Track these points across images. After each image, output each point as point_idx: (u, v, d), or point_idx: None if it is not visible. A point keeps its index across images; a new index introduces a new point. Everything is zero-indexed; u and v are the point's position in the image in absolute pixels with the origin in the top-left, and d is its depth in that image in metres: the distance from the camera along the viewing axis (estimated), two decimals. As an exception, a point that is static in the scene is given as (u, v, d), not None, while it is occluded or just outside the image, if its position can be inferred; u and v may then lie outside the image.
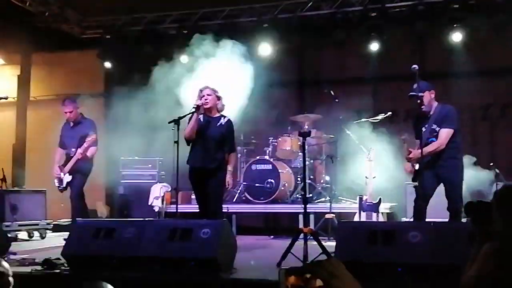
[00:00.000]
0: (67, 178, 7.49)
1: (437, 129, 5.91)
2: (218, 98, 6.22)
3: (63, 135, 7.74)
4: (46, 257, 5.32)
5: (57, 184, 7.61)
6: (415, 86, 5.91)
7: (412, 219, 6.33)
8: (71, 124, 7.66)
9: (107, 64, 10.23)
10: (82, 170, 7.50)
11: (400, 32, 8.96)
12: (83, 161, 7.43)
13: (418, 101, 5.89)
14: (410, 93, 5.98)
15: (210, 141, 6.10)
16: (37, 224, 8.57)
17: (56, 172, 7.58)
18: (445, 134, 5.87)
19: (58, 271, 5.12)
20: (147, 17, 10.09)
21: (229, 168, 6.15)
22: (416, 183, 5.97)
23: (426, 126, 5.94)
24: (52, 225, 8.97)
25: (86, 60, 10.59)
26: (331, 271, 1.84)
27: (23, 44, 10.86)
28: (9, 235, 7.53)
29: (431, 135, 5.93)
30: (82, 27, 10.50)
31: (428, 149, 5.83)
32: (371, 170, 7.37)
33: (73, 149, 7.47)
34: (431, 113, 6.00)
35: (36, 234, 8.61)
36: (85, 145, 7.28)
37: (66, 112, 7.56)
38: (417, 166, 5.91)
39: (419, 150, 5.73)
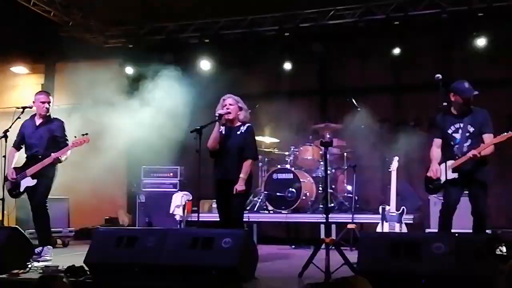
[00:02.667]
0: (28, 181, 6.66)
1: (472, 129, 5.75)
2: (240, 108, 6.18)
3: (27, 136, 6.83)
4: (69, 264, 5.34)
5: (9, 188, 6.76)
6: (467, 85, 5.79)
7: (436, 230, 6.23)
8: (38, 122, 6.84)
9: (129, 72, 10.31)
10: (49, 173, 6.69)
11: (423, 40, 8.87)
12: (50, 164, 6.63)
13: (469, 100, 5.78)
14: (476, 93, 5.77)
15: (232, 152, 6.06)
16: (60, 232, 8.63)
17: (11, 174, 6.71)
18: (491, 139, 5.70)
19: (81, 279, 5.14)
20: (169, 26, 10.15)
21: (241, 175, 5.94)
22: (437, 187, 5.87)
23: (458, 127, 5.79)
24: (74, 233, 9.04)
25: (108, 69, 10.68)
26: None
27: (47, 54, 11.00)
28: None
29: (467, 138, 5.78)
30: (105, 36, 10.60)
31: (488, 151, 5.68)
32: (394, 179, 7.30)
33: (40, 150, 6.69)
34: (465, 114, 5.82)
35: (59, 241, 8.68)
36: (70, 145, 6.58)
37: (43, 102, 6.77)
38: (443, 176, 5.79)
39: (480, 147, 5.61)
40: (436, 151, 5.98)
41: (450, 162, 5.76)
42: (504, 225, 7.95)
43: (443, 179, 5.83)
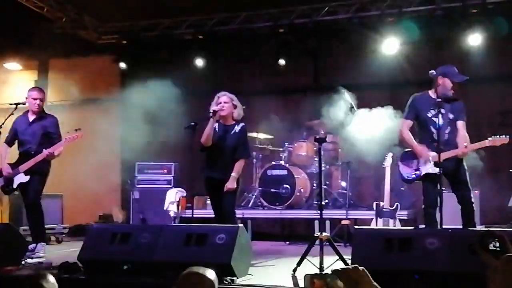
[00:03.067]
0: (21, 178, 6.57)
1: (451, 116, 5.78)
2: (235, 106, 6.17)
3: (19, 132, 6.77)
4: (63, 261, 5.33)
5: (2, 184, 6.73)
6: (456, 70, 5.86)
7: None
8: (31, 118, 6.79)
9: (123, 67, 10.28)
10: (42, 170, 6.64)
11: (418, 37, 8.87)
12: (43, 160, 6.57)
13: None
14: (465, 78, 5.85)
15: (225, 151, 6.05)
16: (54, 229, 8.61)
17: (7, 169, 6.65)
18: (464, 127, 5.77)
19: (75, 275, 5.13)
20: (163, 23, 10.11)
21: (233, 174, 5.97)
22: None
23: (438, 111, 5.68)
24: (68, 230, 9.02)
25: (102, 65, 10.66)
26: (356, 279, 1.85)
27: (40, 50, 10.95)
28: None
29: (447, 124, 5.78)
30: (98, 33, 10.56)
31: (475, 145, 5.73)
32: (388, 175, 7.30)
33: (33, 146, 6.64)
34: (446, 100, 5.80)
35: (53, 238, 8.66)
36: (63, 141, 6.57)
37: (35, 99, 6.73)
38: (428, 169, 5.79)
39: (472, 144, 5.64)
40: (408, 133, 5.96)
41: (432, 154, 5.68)
42: (498, 221, 7.97)
43: (422, 171, 5.83)
